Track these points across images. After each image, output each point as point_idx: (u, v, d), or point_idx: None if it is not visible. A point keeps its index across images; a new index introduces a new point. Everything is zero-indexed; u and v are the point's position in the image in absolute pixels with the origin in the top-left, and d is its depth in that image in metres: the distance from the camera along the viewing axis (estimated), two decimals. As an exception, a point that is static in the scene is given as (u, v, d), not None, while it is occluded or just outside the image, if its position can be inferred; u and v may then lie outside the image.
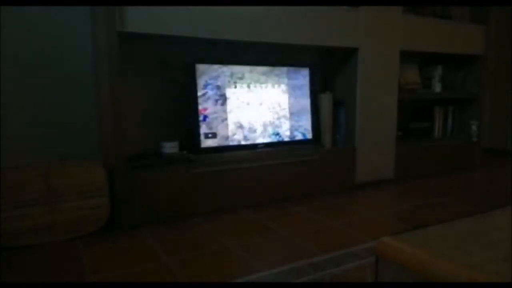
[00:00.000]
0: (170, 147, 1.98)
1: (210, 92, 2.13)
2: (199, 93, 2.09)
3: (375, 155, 2.61)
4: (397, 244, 0.87)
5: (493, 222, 1.02)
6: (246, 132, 2.25)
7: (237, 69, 2.21)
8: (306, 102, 2.46)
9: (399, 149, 2.71)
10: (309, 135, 2.48)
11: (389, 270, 0.88)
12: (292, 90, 2.40)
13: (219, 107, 2.16)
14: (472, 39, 2.97)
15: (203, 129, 2.11)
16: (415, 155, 2.82)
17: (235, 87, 2.20)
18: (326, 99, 2.47)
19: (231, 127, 2.20)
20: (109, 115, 1.78)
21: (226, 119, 2.19)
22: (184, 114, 2.16)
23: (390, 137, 2.67)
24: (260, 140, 2.29)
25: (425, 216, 2.04)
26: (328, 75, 2.67)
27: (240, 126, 2.23)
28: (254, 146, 2.26)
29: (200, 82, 2.10)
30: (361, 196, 2.42)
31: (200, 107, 2.10)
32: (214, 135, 2.16)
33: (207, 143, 2.13)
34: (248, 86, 2.25)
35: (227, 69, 2.18)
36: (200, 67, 2.09)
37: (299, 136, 2.44)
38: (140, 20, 1.77)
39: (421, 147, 2.86)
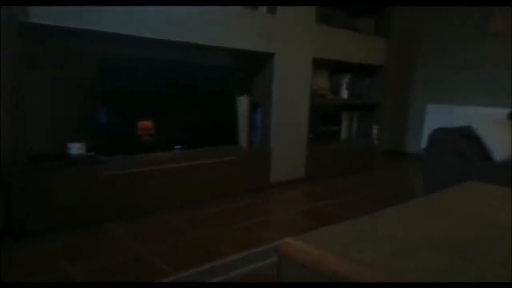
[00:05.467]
0: (77, 148, 1.86)
1: (123, 91, 2.05)
2: (111, 92, 2.00)
3: (288, 156, 2.74)
4: (298, 243, 0.94)
5: (383, 220, 1.14)
6: (162, 133, 2.20)
7: (154, 68, 2.16)
8: (224, 104, 2.48)
9: (310, 150, 2.88)
10: (227, 137, 2.51)
11: (292, 270, 0.94)
12: (210, 92, 2.41)
13: (135, 106, 2.09)
14: (376, 51, 3.27)
15: (115, 129, 2.02)
16: (324, 156, 3.02)
17: (152, 86, 2.14)
18: (243, 102, 2.52)
19: (146, 127, 2.14)
20: (8, 112, 1.61)
21: (141, 119, 2.12)
22: (95, 113, 2.04)
23: (302, 139, 2.82)
24: (177, 141, 2.26)
25: (332, 214, 2.20)
26: (246, 78, 2.73)
27: (156, 126, 2.18)
28: (171, 147, 2.22)
29: (113, 80, 2.00)
30: (275, 196, 2.52)
31: (112, 107, 2.00)
32: (127, 136, 2.07)
33: (119, 143, 2.04)
34: (166, 86, 2.20)
35: (142, 67, 2.12)
36: (114, 64, 2.00)
37: (216, 138, 2.46)
38: (45, 10, 1.64)
39: (330, 149, 3.07)
